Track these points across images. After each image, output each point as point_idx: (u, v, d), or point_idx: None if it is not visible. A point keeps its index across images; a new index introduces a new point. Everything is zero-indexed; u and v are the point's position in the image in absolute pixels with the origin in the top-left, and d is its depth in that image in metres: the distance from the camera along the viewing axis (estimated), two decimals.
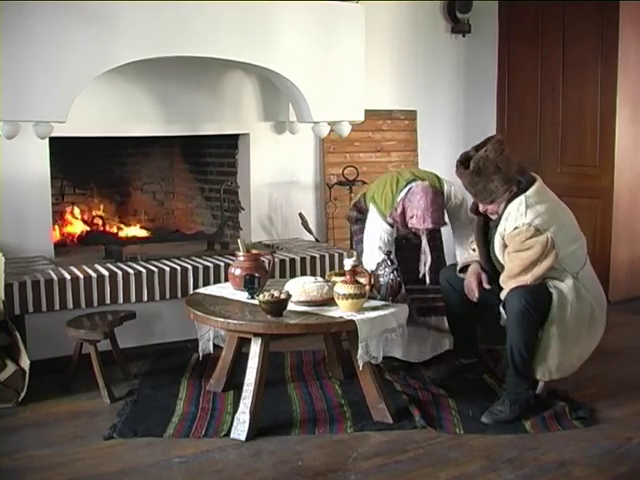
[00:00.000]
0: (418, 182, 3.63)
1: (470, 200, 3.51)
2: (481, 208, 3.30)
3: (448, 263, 3.88)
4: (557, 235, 3.12)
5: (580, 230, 3.35)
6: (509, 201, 3.18)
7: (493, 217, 3.29)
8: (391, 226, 3.71)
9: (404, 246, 3.83)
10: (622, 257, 5.26)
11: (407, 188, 3.63)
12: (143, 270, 4.01)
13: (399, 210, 3.63)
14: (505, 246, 3.21)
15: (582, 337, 3.23)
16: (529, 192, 3.16)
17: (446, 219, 3.68)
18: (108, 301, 3.89)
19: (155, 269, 4.04)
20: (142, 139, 4.77)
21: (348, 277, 3.12)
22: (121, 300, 3.93)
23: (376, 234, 3.71)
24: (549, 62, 5.51)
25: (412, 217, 3.57)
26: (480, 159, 3.12)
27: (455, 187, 3.72)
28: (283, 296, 3.06)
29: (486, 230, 3.39)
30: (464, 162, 3.19)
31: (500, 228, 3.22)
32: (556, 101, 5.49)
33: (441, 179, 3.76)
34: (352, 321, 3.01)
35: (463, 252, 3.72)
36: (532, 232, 3.09)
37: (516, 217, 3.13)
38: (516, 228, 3.12)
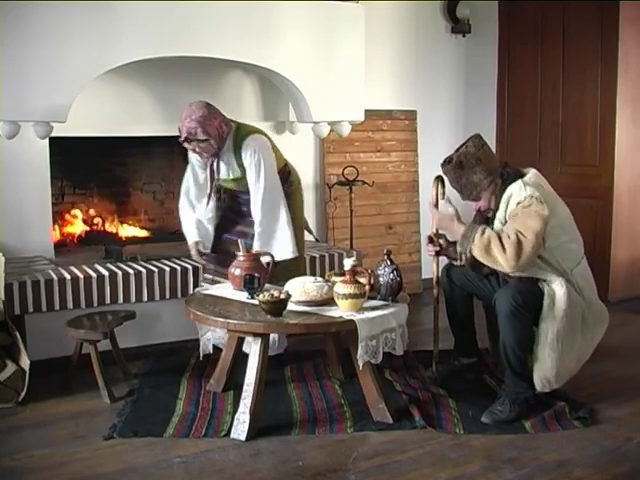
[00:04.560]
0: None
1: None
2: (474, 207, 3.34)
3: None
4: (550, 219, 3.13)
5: (577, 230, 3.35)
6: (503, 190, 3.22)
7: (489, 214, 3.32)
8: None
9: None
10: (622, 257, 5.26)
11: None
12: (143, 270, 4.01)
13: None
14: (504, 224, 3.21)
15: (576, 341, 3.22)
16: (526, 177, 3.24)
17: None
18: (108, 301, 3.89)
19: (155, 269, 4.04)
20: (142, 139, 4.77)
21: (348, 277, 3.11)
22: (121, 300, 3.93)
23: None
24: (549, 62, 5.51)
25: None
26: (461, 154, 3.25)
27: (259, 147, 3.58)
28: (283, 296, 3.05)
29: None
30: (448, 161, 3.29)
31: (500, 214, 3.24)
32: (556, 101, 5.49)
33: (273, 144, 3.71)
34: (352, 321, 3.01)
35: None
36: (535, 202, 3.12)
37: (518, 194, 3.17)
38: (519, 203, 3.15)
